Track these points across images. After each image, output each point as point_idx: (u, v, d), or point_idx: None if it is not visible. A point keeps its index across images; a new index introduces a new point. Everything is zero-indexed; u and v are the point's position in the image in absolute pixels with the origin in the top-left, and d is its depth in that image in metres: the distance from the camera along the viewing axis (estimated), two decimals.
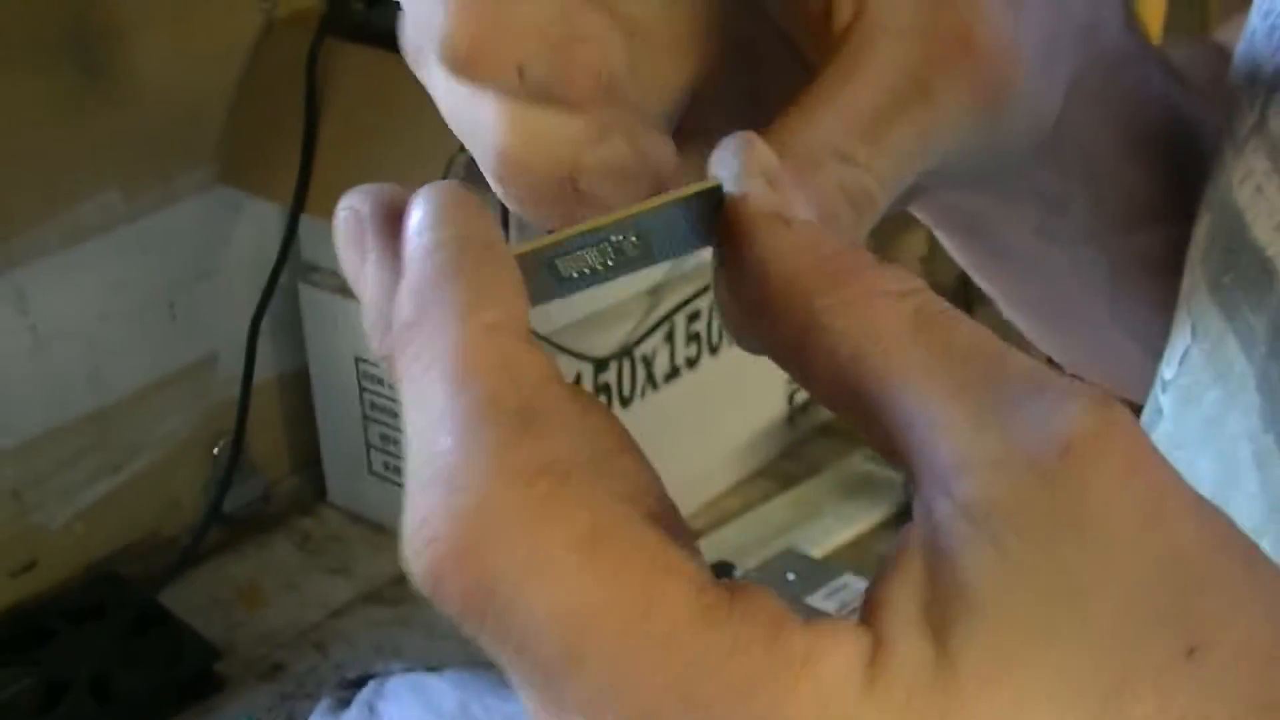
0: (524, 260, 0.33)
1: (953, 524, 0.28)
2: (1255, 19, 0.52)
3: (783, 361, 0.32)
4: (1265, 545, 0.45)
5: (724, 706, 0.27)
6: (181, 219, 1.46)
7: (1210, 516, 0.29)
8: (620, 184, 0.40)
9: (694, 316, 1.50)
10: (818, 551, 1.47)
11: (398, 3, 0.39)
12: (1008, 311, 0.64)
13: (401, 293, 0.30)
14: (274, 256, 1.44)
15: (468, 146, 0.40)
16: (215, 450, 1.54)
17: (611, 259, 0.35)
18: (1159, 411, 0.54)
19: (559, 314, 1.38)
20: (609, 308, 1.45)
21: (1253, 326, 0.47)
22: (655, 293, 1.46)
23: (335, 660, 1.38)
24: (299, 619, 1.44)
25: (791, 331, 0.31)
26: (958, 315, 0.30)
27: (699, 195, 0.34)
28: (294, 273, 1.50)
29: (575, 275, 0.35)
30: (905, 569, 0.29)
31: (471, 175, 1.20)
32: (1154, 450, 0.29)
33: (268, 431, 1.59)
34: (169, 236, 1.46)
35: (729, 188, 0.33)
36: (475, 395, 0.28)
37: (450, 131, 0.40)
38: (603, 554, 0.27)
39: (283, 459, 1.61)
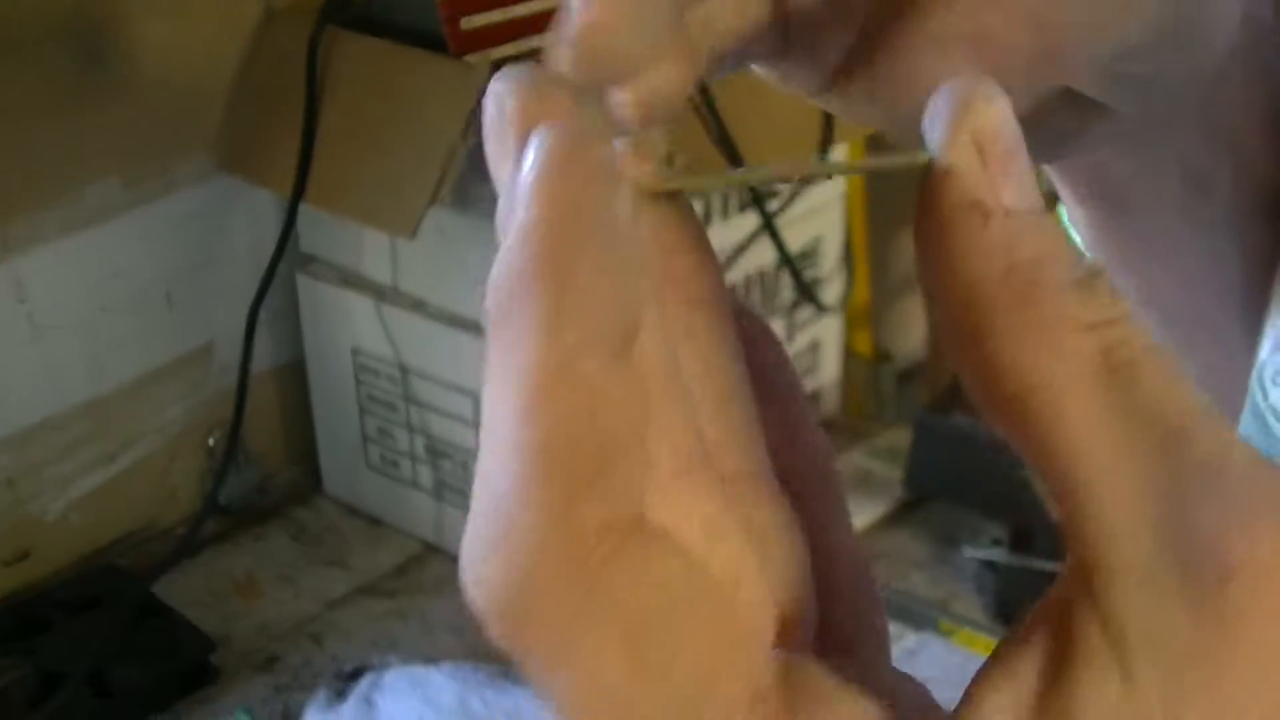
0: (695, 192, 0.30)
1: (1084, 629, 0.25)
2: None
3: (956, 367, 0.28)
4: None
5: None
6: (180, 208, 1.45)
7: None
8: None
9: None
10: None
11: None
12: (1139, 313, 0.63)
13: (495, 269, 0.26)
14: (272, 246, 1.43)
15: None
16: (211, 441, 1.53)
17: None
18: (1278, 444, 0.53)
19: None
20: None
21: None
22: None
23: (331, 652, 1.37)
24: (295, 611, 1.43)
25: (963, 344, 0.27)
26: (1151, 361, 0.26)
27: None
28: (292, 263, 1.49)
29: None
30: (1016, 669, 0.26)
31: (473, 167, 1.19)
32: None
33: (264, 423, 1.58)
34: (167, 225, 1.45)
35: (933, 151, 0.29)
36: (539, 435, 0.25)
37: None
38: (645, 647, 0.25)
39: (279, 450, 1.61)
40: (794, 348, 1.62)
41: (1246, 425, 0.55)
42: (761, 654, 0.26)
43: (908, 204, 0.33)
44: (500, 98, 0.28)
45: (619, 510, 0.25)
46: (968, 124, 0.28)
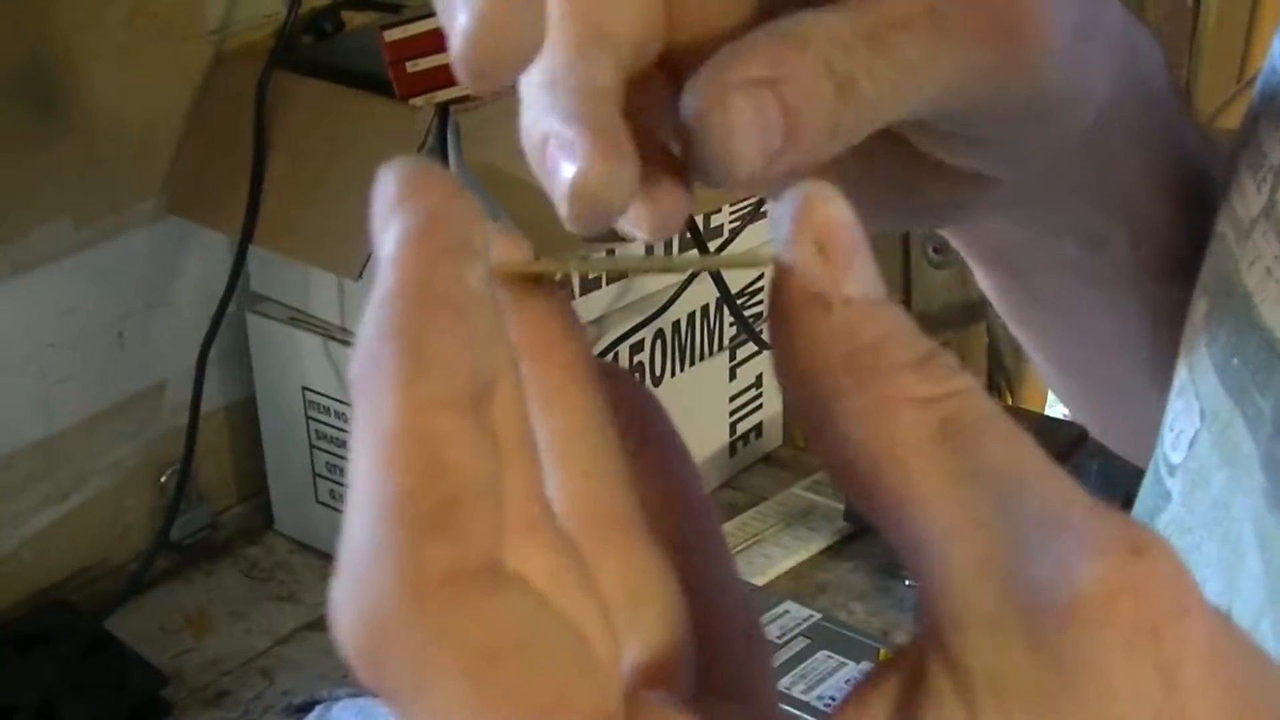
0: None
1: (934, 676, 0.26)
2: (1258, 103, 0.52)
3: (813, 452, 0.30)
4: (1265, 627, 0.46)
5: None
6: (131, 249, 1.47)
7: (1238, 691, 0.26)
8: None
9: (637, 348, 1.52)
10: (760, 579, 1.49)
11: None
12: (1043, 369, 0.63)
13: (356, 341, 0.28)
14: (222, 287, 1.45)
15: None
16: (163, 479, 1.55)
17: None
18: (1167, 496, 0.54)
19: None
20: None
21: (1260, 408, 0.47)
22: (599, 323, 1.47)
23: (282, 687, 1.38)
24: (246, 646, 1.44)
25: (815, 430, 0.29)
26: (990, 427, 0.28)
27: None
28: (242, 303, 1.51)
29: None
30: (868, 709, 0.27)
31: None
32: (1185, 614, 0.26)
33: (215, 460, 1.59)
34: (118, 266, 1.47)
35: (778, 250, 0.30)
36: (392, 487, 0.26)
37: None
38: (490, 681, 0.26)
39: (230, 487, 1.62)
40: (737, 384, 1.65)
41: (1148, 475, 0.57)
42: (607, 685, 0.27)
43: None
44: (383, 187, 0.31)
45: (468, 554, 0.26)
46: (809, 222, 0.30)
